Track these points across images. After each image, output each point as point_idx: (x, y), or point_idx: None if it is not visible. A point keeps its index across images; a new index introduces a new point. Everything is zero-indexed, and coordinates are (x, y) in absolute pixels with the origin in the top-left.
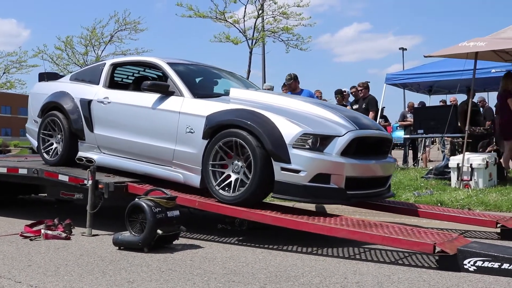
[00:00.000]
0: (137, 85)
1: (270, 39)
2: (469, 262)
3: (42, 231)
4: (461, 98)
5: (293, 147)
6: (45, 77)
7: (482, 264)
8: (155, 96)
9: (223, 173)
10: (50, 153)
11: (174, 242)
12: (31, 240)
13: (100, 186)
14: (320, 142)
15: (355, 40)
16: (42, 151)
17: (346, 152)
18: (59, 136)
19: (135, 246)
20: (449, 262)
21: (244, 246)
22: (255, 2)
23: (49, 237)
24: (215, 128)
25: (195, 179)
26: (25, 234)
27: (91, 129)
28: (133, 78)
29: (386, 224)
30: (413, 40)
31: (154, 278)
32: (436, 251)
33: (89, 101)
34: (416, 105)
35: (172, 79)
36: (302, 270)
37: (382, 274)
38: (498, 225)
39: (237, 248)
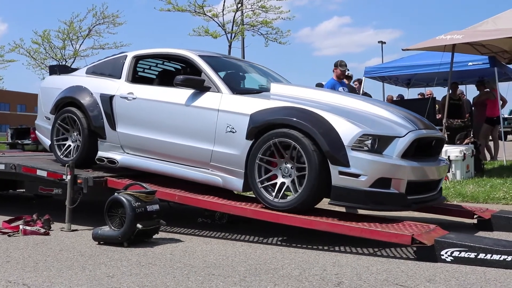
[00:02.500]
0: (162, 79)
1: (249, 32)
2: (446, 253)
3: (21, 227)
4: (438, 91)
5: (352, 149)
6: (57, 70)
7: (459, 254)
8: (188, 91)
9: (270, 178)
10: (65, 152)
11: (154, 236)
12: (9, 236)
13: (79, 181)
14: (379, 143)
15: (335, 34)
16: (56, 150)
17: (406, 154)
18: (75, 134)
19: (115, 241)
20: (427, 253)
21: (224, 240)
22: None
23: (28, 232)
24: (262, 128)
25: (236, 183)
26: (3, 230)
27: (113, 127)
28: (153, 71)
29: (365, 216)
30: (392, 34)
31: (134, 272)
32: (414, 243)
33: (111, 97)
34: (395, 98)
35: (207, 73)
36: (282, 262)
37: (360, 265)
38: (475, 216)
39: (217, 242)
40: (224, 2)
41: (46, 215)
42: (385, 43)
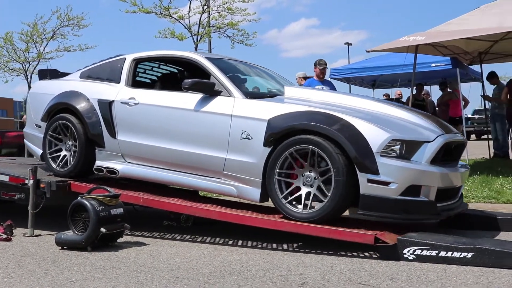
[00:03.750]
0: (164, 83)
1: (216, 34)
2: (408, 251)
3: None
4: (405, 92)
5: (381, 156)
6: (47, 74)
7: (420, 252)
8: (197, 96)
9: (291, 184)
10: (59, 162)
11: (118, 240)
12: None
13: (42, 185)
14: (407, 149)
15: (302, 35)
16: (50, 160)
17: (435, 159)
18: (70, 142)
19: (78, 245)
20: (389, 252)
21: (190, 242)
22: None
23: None
24: (283, 134)
25: (253, 193)
26: None
27: (113, 134)
28: (151, 74)
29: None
30: (359, 35)
31: (97, 276)
32: (377, 242)
33: (110, 102)
34: None
35: (217, 76)
36: (247, 264)
37: (324, 265)
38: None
39: (182, 244)
40: (190, 4)
41: (8, 221)
42: (351, 44)
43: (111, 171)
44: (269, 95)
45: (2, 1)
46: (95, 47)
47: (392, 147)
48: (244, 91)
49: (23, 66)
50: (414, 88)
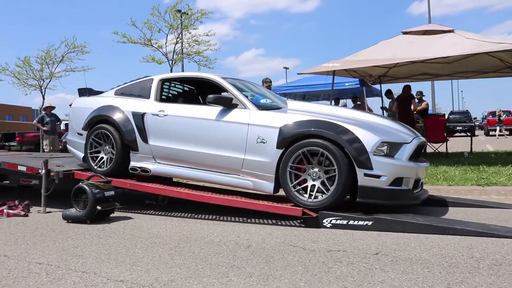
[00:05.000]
0: (186, 98)
1: (186, 60)
2: (326, 221)
3: (5, 210)
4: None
5: (374, 155)
6: (86, 92)
7: (335, 221)
8: (217, 108)
9: (300, 176)
10: (99, 163)
11: (110, 215)
12: None
13: (51, 174)
14: (391, 149)
15: (252, 61)
16: (91, 161)
17: (411, 157)
18: (107, 147)
19: (80, 220)
20: (313, 222)
21: (165, 216)
22: (174, 32)
23: (11, 215)
24: (293, 139)
25: (267, 186)
26: None
27: (145, 140)
28: (172, 91)
29: (268, 196)
30: (294, 61)
31: (94, 243)
32: (304, 214)
33: (143, 114)
34: None
35: (233, 93)
36: (207, 232)
37: (265, 232)
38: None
39: (160, 218)
40: (167, 37)
41: (26, 201)
42: (288, 68)
43: (144, 170)
44: (276, 107)
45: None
46: (94, 68)
47: (380, 148)
48: (255, 104)
49: (38, 83)
50: (333, 101)
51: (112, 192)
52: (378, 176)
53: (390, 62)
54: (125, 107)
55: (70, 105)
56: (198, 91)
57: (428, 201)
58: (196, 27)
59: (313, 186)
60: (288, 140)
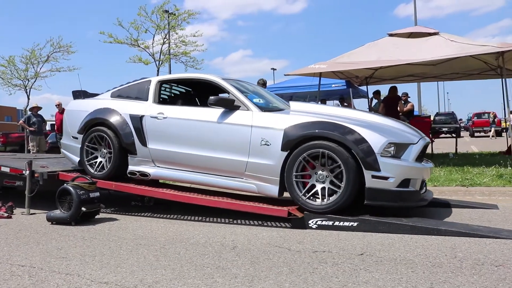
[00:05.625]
0: (185, 100)
1: (173, 61)
2: (312, 222)
3: None
4: None
5: (381, 156)
6: (81, 94)
7: (321, 222)
8: (218, 110)
9: (306, 183)
10: (95, 167)
11: (96, 217)
12: None
13: (36, 175)
14: (397, 149)
15: (240, 62)
16: (88, 166)
17: (417, 158)
18: (104, 150)
19: (64, 221)
20: (299, 223)
21: (151, 218)
22: (161, 32)
23: None
24: (299, 140)
25: (272, 189)
26: None
27: (144, 143)
28: (169, 92)
29: (254, 197)
30: (282, 63)
31: (79, 244)
32: (289, 215)
33: (141, 117)
34: None
35: (235, 94)
36: (193, 233)
37: (251, 233)
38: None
39: (145, 219)
40: (154, 37)
41: (9, 202)
42: (276, 69)
43: (143, 174)
44: (279, 109)
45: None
46: (81, 68)
47: (387, 149)
48: (258, 105)
49: (23, 83)
50: (319, 102)
51: (97, 193)
52: (386, 178)
53: (376, 65)
54: (123, 110)
55: (56, 105)
56: (197, 92)
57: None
58: (183, 27)
59: (321, 189)
60: (293, 142)
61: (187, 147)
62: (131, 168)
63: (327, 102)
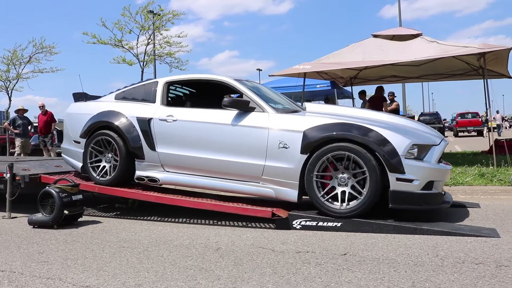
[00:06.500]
0: (194, 101)
1: (157, 61)
2: (296, 222)
3: None
4: None
5: (405, 158)
6: (83, 97)
7: (305, 223)
8: (232, 112)
9: (326, 184)
10: (100, 173)
11: (78, 219)
12: None
13: (17, 178)
14: (419, 151)
15: (226, 63)
16: (91, 171)
17: (439, 159)
18: (109, 155)
19: (46, 224)
20: (283, 223)
21: (135, 220)
22: (145, 33)
23: None
24: (320, 142)
25: (291, 194)
26: None
27: (152, 147)
28: (178, 94)
29: (238, 198)
30: (268, 63)
31: (61, 248)
32: (273, 216)
33: (149, 120)
34: None
35: (249, 95)
36: (177, 235)
37: (235, 234)
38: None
39: (129, 222)
40: (138, 37)
41: None
42: (262, 70)
43: (152, 179)
44: (295, 110)
45: None
46: (64, 69)
47: (411, 150)
48: (274, 107)
49: (4, 84)
50: (304, 102)
51: (80, 196)
52: (411, 180)
53: (360, 65)
54: (129, 112)
55: (40, 106)
56: (205, 94)
57: None
58: (167, 28)
59: (342, 192)
60: (314, 144)
61: (199, 150)
62: (138, 173)
63: (312, 102)
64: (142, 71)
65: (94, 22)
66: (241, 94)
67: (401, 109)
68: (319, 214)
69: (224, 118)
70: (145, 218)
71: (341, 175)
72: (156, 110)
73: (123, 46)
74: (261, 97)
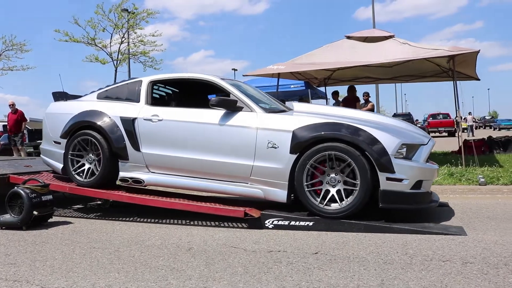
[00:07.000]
0: (179, 101)
1: (131, 60)
2: (268, 222)
3: None
4: None
5: (395, 157)
6: (63, 96)
7: (277, 222)
8: (219, 112)
9: (319, 188)
10: (82, 174)
11: (49, 220)
12: None
13: None
14: (408, 151)
15: (202, 62)
16: (73, 173)
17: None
18: (92, 156)
19: (15, 226)
20: (255, 223)
21: (107, 220)
22: (119, 31)
23: None
24: (310, 142)
25: (280, 194)
26: None
27: (137, 148)
28: (162, 93)
29: (210, 198)
30: (243, 63)
31: (29, 249)
32: (246, 216)
33: (133, 119)
34: None
35: (236, 95)
36: (149, 235)
37: (208, 234)
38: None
39: (100, 222)
40: (112, 36)
41: None
42: (237, 70)
43: (137, 180)
44: (283, 110)
45: None
46: (35, 67)
47: (400, 150)
48: (262, 106)
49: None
50: None
51: (50, 196)
52: (400, 180)
53: (333, 66)
54: (112, 112)
55: (10, 105)
56: (189, 93)
57: None
58: (141, 27)
59: (330, 192)
60: (303, 144)
61: (186, 151)
62: (122, 174)
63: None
64: (116, 70)
65: (66, 19)
66: (227, 94)
67: (375, 109)
68: (290, 214)
69: (211, 118)
70: (117, 218)
71: (331, 175)
72: (140, 110)
73: (96, 45)
74: (249, 96)
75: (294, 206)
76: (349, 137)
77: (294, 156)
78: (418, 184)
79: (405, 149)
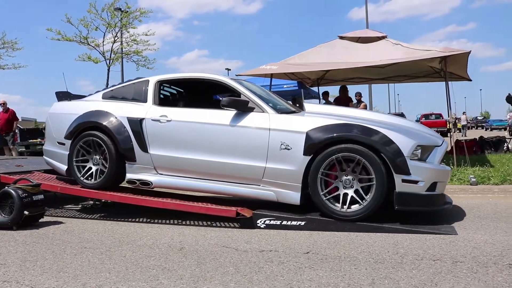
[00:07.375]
0: (187, 101)
1: (124, 60)
2: (260, 221)
3: None
4: None
5: (410, 159)
6: (67, 96)
7: (269, 222)
8: (230, 113)
9: (332, 190)
10: (87, 176)
11: (40, 220)
12: None
13: None
14: (423, 152)
15: (196, 62)
16: (77, 174)
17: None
18: (97, 157)
19: (5, 226)
20: (247, 222)
21: (98, 220)
22: (112, 30)
23: None
24: (325, 144)
25: (293, 196)
26: None
27: (144, 149)
28: (170, 93)
29: (203, 197)
30: (237, 63)
31: (20, 250)
32: (238, 215)
33: (141, 120)
34: None
35: (247, 95)
36: (141, 235)
37: (199, 234)
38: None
39: (92, 222)
40: (105, 35)
41: None
42: (230, 70)
43: (145, 182)
44: (295, 111)
45: None
46: (27, 66)
47: (415, 152)
48: (273, 107)
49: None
50: None
51: (42, 196)
52: (416, 182)
53: (325, 67)
54: (118, 112)
55: (1, 104)
56: (198, 93)
57: None
58: (134, 26)
59: (345, 194)
60: (317, 146)
61: (196, 152)
62: (129, 176)
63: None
64: (108, 69)
65: (59, 18)
66: (237, 94)
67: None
68: (282, 213)
69: (222, 119)
70: (109, 218)
71: (345, 177)
72: (148, 110)
73: (89, 44)
74: (260, 97)
75: (285, 205)
76: (365, 138)
77: (308, 158)
78: (433, 186)
79: (420, 151)
